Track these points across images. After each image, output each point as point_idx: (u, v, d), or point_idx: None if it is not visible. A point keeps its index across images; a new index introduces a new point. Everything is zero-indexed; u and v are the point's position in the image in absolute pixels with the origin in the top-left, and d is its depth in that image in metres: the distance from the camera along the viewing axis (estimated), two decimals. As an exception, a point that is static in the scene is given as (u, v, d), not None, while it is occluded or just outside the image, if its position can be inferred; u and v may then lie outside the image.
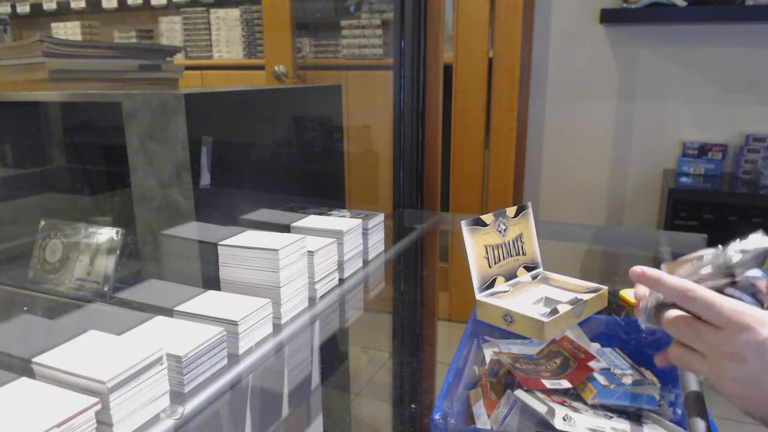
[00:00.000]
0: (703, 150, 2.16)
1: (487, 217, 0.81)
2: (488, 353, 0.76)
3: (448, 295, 2.29)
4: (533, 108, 2.39)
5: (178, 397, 0.65)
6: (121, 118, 0.88)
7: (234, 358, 0.74)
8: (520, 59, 2.24)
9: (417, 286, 1.22)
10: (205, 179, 0.88)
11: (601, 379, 0.70)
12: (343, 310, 0.95)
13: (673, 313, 0.57)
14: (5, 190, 1.19)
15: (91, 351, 0.60)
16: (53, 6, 3.20)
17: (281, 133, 1.11)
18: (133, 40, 3.12)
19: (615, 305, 0.80)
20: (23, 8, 3.28)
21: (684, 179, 2.13)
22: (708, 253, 0.58)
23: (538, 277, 0.85)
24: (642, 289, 0.62)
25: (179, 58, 2.95)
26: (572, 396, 0.69)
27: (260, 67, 2.63)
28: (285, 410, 0.76)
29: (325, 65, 2.70)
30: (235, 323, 0.74)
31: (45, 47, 1.08)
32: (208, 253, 0.86)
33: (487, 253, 0.80)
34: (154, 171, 0.88)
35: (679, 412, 0.67)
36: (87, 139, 1.23)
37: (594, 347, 0.79)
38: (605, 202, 2.38)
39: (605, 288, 0.79)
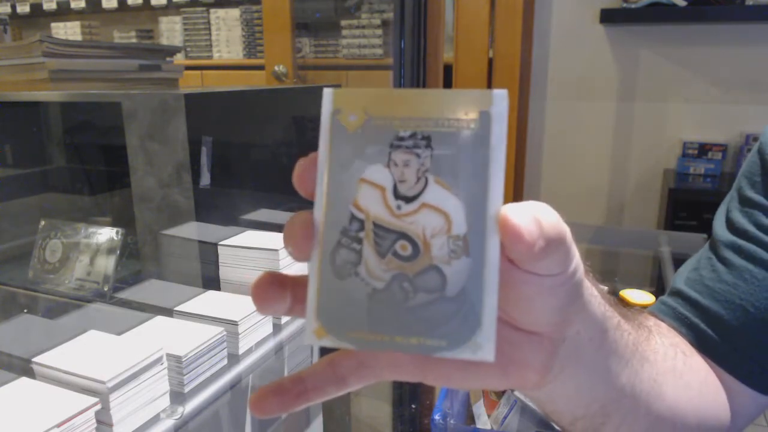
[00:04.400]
0: (703, 150, 2.16)
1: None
2: (488, 353, 0.76)
3: (448, 295, 2.28)
4: (533, 108, 2.39)
5: (178, 397, 0.65)
6: (121, 118, 0.88)
7: (234, 358, 0.74)
8: (520, 59, 2.24)
9: (417, 286, 1.21)
10: (205, 179, 0.88)
11: (601, 379, 0.70)
12: (343, 310, 0.95)
13: None
14: (5, 190, 1.19)
15: (91, 351, 0.60)
16: (53, 6, 3.20)
17: (281, 133, 1.11)
18: (133, 40, 3.12)
19: (615, 305, 0.80)
20: (23, 8, 3.28)
21: (684, 179, 2.13)
22: None
23: (538, 277, 0.85)
24: None
25: (179, 58, 2.95)
26: (572, 396, 0.69)
27: (260, 67, 2.63)
28: (285, 410, 0.76)
29: (325, 65, 2.70)
30: (235, 323, 0.74)
31: (45, 47, 1.08)
32: (208, 253, 0.86)
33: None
34: (154, 171, 0.88)
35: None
36: (87, 139, 1.23)
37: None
38: (605, 202, 2.38)
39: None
